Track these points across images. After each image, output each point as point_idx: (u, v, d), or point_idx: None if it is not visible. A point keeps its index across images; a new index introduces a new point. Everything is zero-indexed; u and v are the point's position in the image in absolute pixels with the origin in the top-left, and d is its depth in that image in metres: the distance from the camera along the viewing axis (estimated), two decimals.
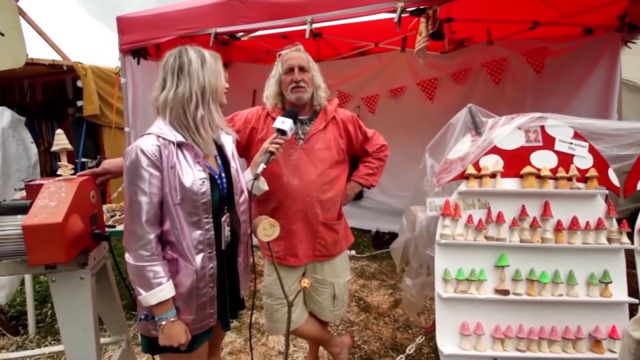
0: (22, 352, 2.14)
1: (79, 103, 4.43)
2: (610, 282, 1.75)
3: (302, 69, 1.68)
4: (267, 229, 1.35)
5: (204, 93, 1.28)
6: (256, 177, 1.42)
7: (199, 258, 1.26)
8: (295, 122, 1.52)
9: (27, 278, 2.64)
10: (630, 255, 1.80)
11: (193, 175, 1.25)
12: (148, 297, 1.20)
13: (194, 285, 1.27)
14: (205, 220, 1.27)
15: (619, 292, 1.76)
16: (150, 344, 1.31)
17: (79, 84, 4.37)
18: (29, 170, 4.13)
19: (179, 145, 1.25)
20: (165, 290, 1.21)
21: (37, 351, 2.13)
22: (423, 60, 2.69)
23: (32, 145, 4.11)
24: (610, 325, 1.74)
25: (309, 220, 1.72)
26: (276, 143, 1.48)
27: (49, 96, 5.40)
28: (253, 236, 1.42)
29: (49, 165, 5.71)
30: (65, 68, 4.21)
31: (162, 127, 1.26)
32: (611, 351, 1.72)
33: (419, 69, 3.82)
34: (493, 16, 3.32)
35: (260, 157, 1.51)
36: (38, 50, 4.05)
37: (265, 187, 1.55)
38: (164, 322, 1.22)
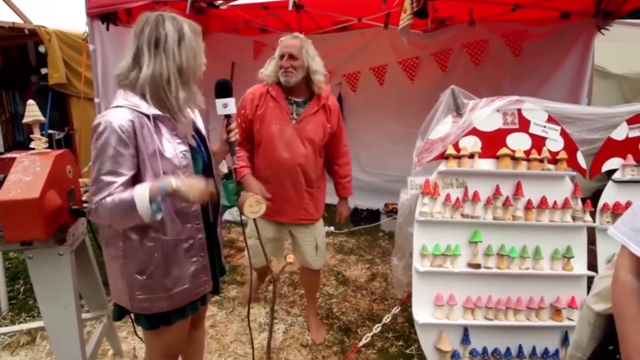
0: None
1: (43, 70, 4.14)
2: (572, 257, 1.90)
3: (291, 57, 1.88)
4: (254, 205, 1.35)
5: (182, 74, 1.18)
6: (235, 170, 1.42)
7: (185, 229, 1.26)
8: (230, 94, 1.35)
9: None
10: (591, 232, 1.94)
11: (173, 149, 1.20)
12: (142, 209, 1.09)
13: (183, 256, 1.26)
14: None
15: (580, 266, 1.91)
16: (150, 320, 1.30)
17: (42, 49, 4.07)
18: None
19: (155, 119, 1.17)
20: (142, 189, 1.11)
21: (13, 328, 2.09)
22: (406, 38, 2.68)
23: None
24: (570, 295, 1.90)
25: (295, 188, 2.02)
26: (231, 130, 1.35)
27: (9, 62, 5.01)
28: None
29: (10, 137, 5.38)
30: (27, 32, 3.90)
31: (132, 100, 1.16)
32: (569, 319, 1.88)
33: (401, 47, 3.80)
34: None
35: (224, 147, 1.41)
36: None
37: (225, 170, 1.57)
38: (167, 190, 1.12)
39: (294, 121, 1.96)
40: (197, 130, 1.37)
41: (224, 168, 1.43)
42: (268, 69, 1.97)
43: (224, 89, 1.30)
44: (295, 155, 1.94)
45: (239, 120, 1.98)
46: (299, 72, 1.89)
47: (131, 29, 1.18)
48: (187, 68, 1.18)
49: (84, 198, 2.31)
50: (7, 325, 2.39)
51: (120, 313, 1.37)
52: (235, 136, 1.33)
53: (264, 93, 1.97)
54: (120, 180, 1.12)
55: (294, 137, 1.94)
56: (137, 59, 1.16)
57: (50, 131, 4.35)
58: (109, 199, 1.11)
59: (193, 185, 1.16)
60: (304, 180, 2.02)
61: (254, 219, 1.42)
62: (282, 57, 1.90)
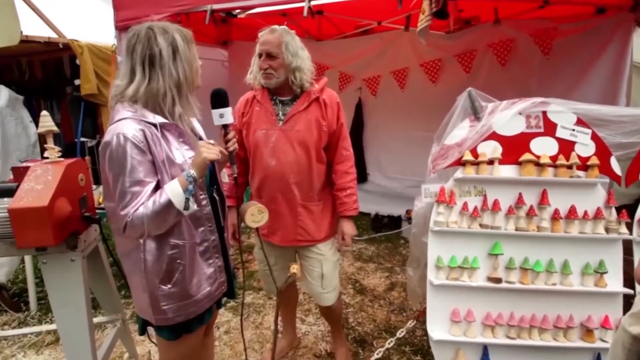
0: (22, 329, 2.20)
1: (77, 82, 4.37)
2: (606, 272, 1.73)
3: (269, 56, 1.64)
4: (255, 214, 1.33)
5: (180, 88, 1.18)
6: (236, 181, 1.38)
7: (199, 233, 1.28)
8: (227, 103, 1.32)
9: (27, 256, 2.68)
10: (628, 242, 1.77)
11: (182, 156, 1.21)
12: (179, 202, 1.12)
13: (200, 260, 1.28)
14: (202, 197, 1.28)
15: (614, 282, 1.74)
16: (172, 330, 1.31)
17: (78, 62, 4.29)
18: (29, 150, 4.12)
19: (161, 127, 1.18)
20: (172, 184, 1.14)
21: (36, 328, 2.18)
22: (425, 40, 2.59)
23: (31, 125, 4.08)
24: (603, 315, 1.73)
25: (288, 202, 1.75)
26: (229, 140, 1.31)
27: (47, 74, 5.34)
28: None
29: None
30: (61, 46, 4.13)
31: (136, 110, 1.16)
32: (602, 340, 1.71)
33: (423, 49, 3.70)
34: None
35: (223, 157, 1.37)
36: (33, 27, 3.97)
37: (227, 180, 1.52)
38: (192, 174, 1.15)
39: (280, 122, 1.71)
40: (199, 138, 1.37)
41: (224, 178, 1.43)
42: (252, 72, 1.75)
43: (219, 99, 1.27)
44: (283, 162, 1.69)
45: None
46: (280, 72, 1.65)
47: (124, 45, 1.19)
48: (184, 80, 1.18)
49: (102, 205, 2.39)
50: (34, 325, 2.51)
51: (144, 326, 1.38)
52: (233, 146, 1.30)
53: (250, 99, 1.78)
54: (147, 188, 1.13)
55: (281, 141, 1.69)
56: (132, 75, 1.16)
57: (82, 139, 4.57)
58: (141, 208, 1.11)
59: (197, 153, 1.18)
60: (299, 193, 1.73)
61: (257, 231, 1.39)
62: (260, 56, 1.68)
